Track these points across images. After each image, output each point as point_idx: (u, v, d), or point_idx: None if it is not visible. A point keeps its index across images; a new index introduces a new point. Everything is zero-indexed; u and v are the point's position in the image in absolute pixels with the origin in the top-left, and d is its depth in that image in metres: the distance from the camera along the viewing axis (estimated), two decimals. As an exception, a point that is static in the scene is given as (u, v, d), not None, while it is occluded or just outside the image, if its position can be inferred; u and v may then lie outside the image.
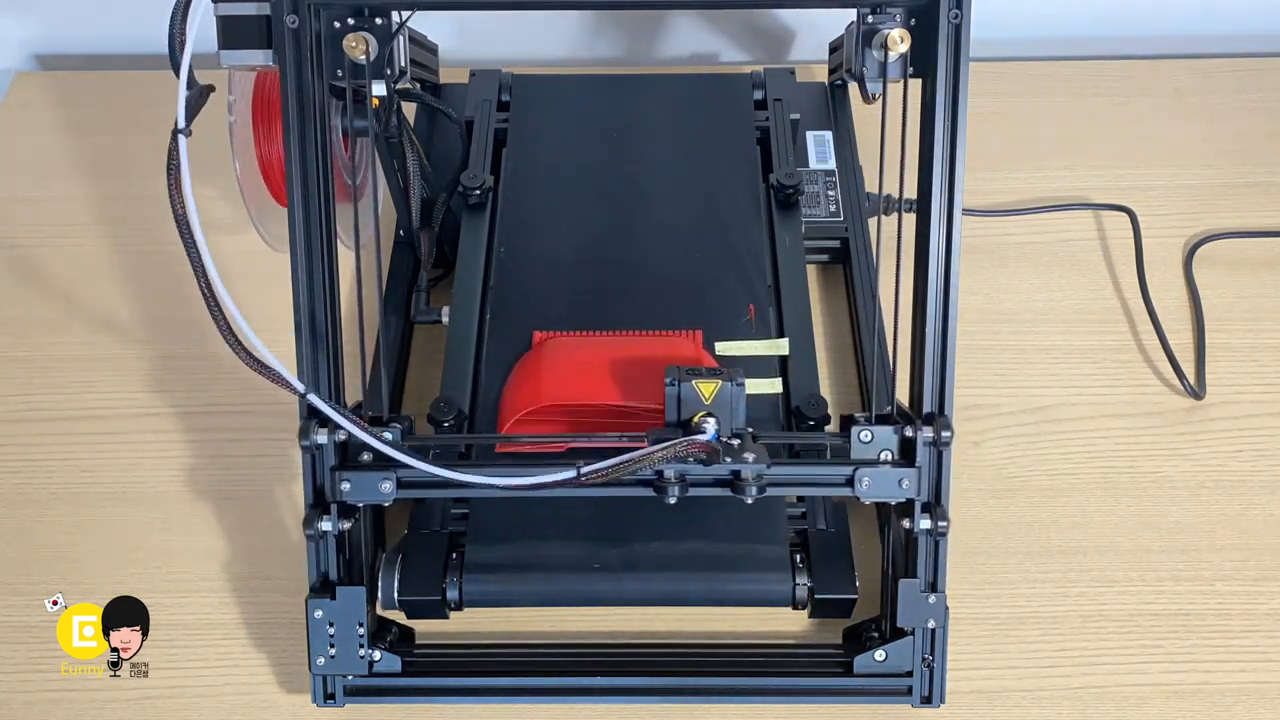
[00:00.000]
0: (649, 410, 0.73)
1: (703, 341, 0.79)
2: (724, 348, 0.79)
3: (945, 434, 0.66)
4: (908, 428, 0.67)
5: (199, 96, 0.63)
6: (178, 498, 0.80)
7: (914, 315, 0.68)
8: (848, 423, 0.68)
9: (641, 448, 0.63)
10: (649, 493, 0.65)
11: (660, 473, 0.64)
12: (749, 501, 0.65)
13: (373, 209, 0.82)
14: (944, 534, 0.67)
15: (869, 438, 0.67)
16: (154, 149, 1.00)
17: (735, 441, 0.64)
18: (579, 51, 1.14)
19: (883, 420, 0.68)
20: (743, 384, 0.65)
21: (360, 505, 0.68)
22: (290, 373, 0.64)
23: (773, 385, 0.79)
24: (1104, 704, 0.71)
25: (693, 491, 0.65)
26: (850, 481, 0.66)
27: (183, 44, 0.62)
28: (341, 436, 0.66)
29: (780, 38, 1.13)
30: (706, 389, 0.64)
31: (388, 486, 0.66)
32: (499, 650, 0.72)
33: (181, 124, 0.61)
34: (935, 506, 0.67)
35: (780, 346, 0.81)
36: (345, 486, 0.66)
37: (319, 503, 0.67)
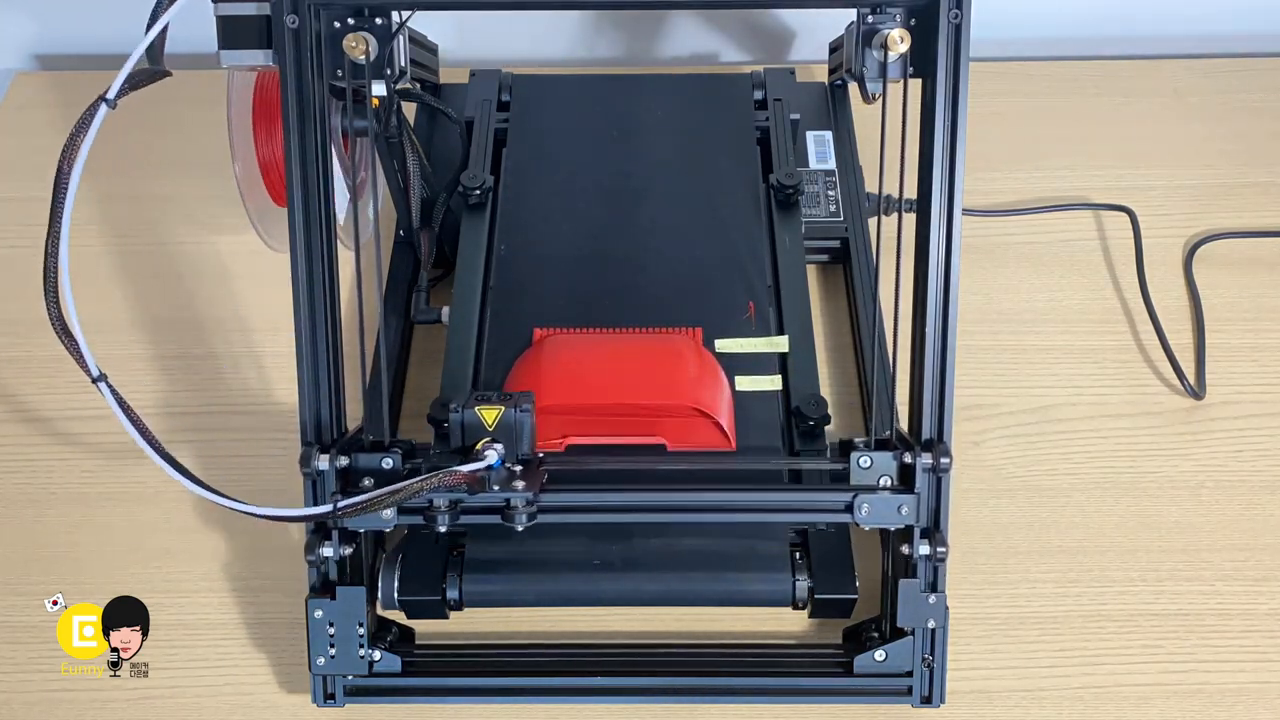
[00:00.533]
0: (649, 408, 0.73)
1: (702, 339, 0.79)
2: (724, 345, 0.80)
3: (944, 460, 0.66)
4: (907, 454, 0.67)
5: (148, 75, 0.63)
6: (178, 498, 0.80)
7: (914, 316, 0.68)
8: (847, 447, 0.68)
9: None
10: (419, 520, 0.65)
11: (430, 502, 0.64)
12: (519, 529, 0.64)
13: (373, 209, 0.82)
14: (943, 560, 0.67)
15: (868, 463, 0.67)
16: (154, 149, 1.00)
17: (518, 468, 0.64)
18: (579, 51, 1.14)
19: (882, 445, 0.68)
20: (528, 410, 0.64)
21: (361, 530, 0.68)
22: (90, 354, 0.63)
23: (773, 382, 0.79)
24: (1104, 704, 0.71)
25: (464, 519, 0.65)
26: (849, 508, 0.66)
27: (156, 22, 0.61)
28: (343, 462, 0.66)
29: (780, 38, 1.13)
30: (489, 415, 0.64)
31: (388, 513, 0.66)
32: (499, 650, 0.72)
33: (111, 94, 0.61)
34: (934, 532, 0.67)
35: (780, 344, 0.81)
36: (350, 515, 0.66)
37: (320, 529, 0.67)
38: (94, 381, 0.63)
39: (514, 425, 0.64)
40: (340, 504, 0.62)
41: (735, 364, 0.79)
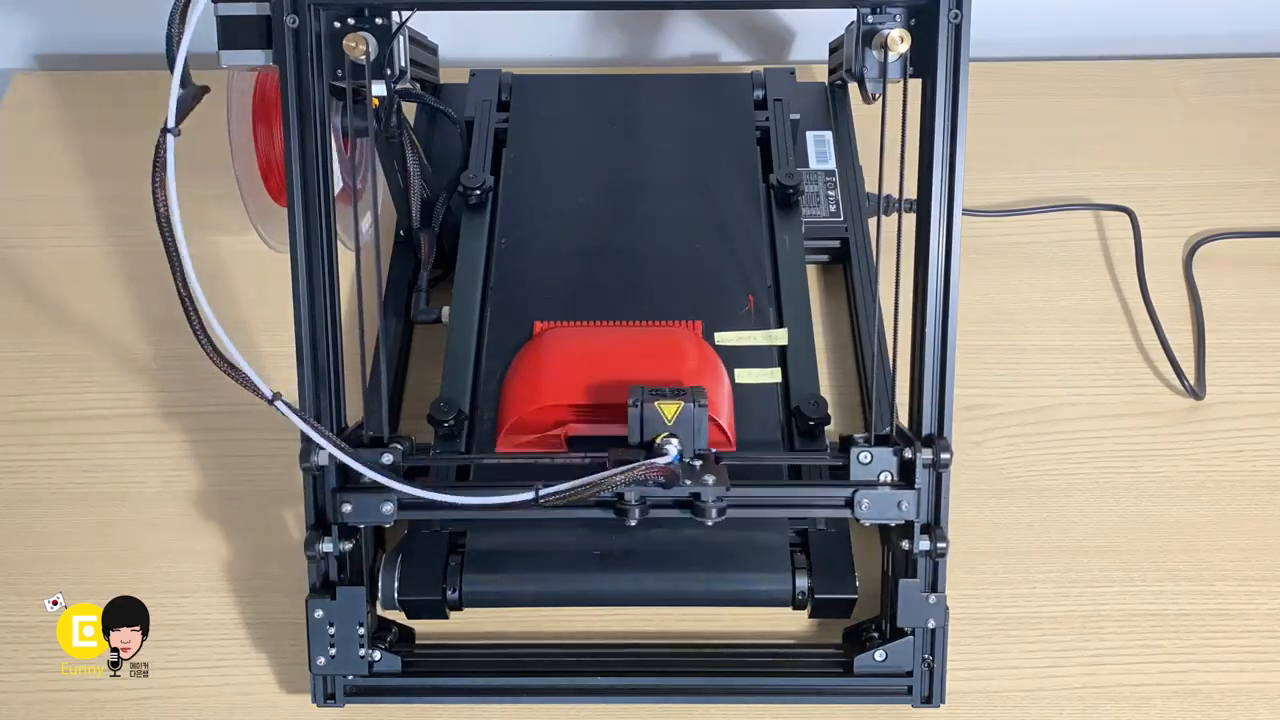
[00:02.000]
0: None
1: (702, 332, 0.79)
2: (723, 338, 0.80)
3: (944, 456, 0.66)
4: (907, 449, 0.67)
5: (193, 97, 0.63)
6: (178, 498, 0.80)
7: (914, 318, 0.68)
8: (847, 443, 0.68)
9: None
10: (609, 514, 0.65)
11: (621, 495, 0.64)
12: (708, 524, 0.65)
13: (373, 209, 0.82)
14: (943, 555, 0.67)
15: (868, 459, 0.67)
16: (154, 149, 1.00)
17: (697, 463, 0.64)
18: (579, 51, 1.14)
19: (882, 441, 0.68)
20: (705, 405, 0.65)
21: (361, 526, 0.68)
22: (259, 377, 0.63)
23: (772, 375, 0.79)
24: (1104, 704, 0.71)
25: (653, 514, 0.65)
26: (849, 503, 0.67)
27: (179, 42, 0.62)
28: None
29: (780, 38, 1.13)
30: (669, 410, 0.65)
31: (389, 508, 0.66)
32: (499, 650, 0.72)
33: (171, 123, 0.61)
34: (934, 528, 0.67)
35: (779, 337, 0.81)
36: (346, 508, 0.66)
37: (320, 524, 0.67)
38: (270, 403, 0.63)
39: (692, 420, 0.64)
40: (542, 492, 0.62)
41: (735, 357, 0.79)
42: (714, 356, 0.78)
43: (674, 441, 0.64)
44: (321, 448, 0.64)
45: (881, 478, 0.67)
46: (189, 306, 0.63)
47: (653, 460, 0.63)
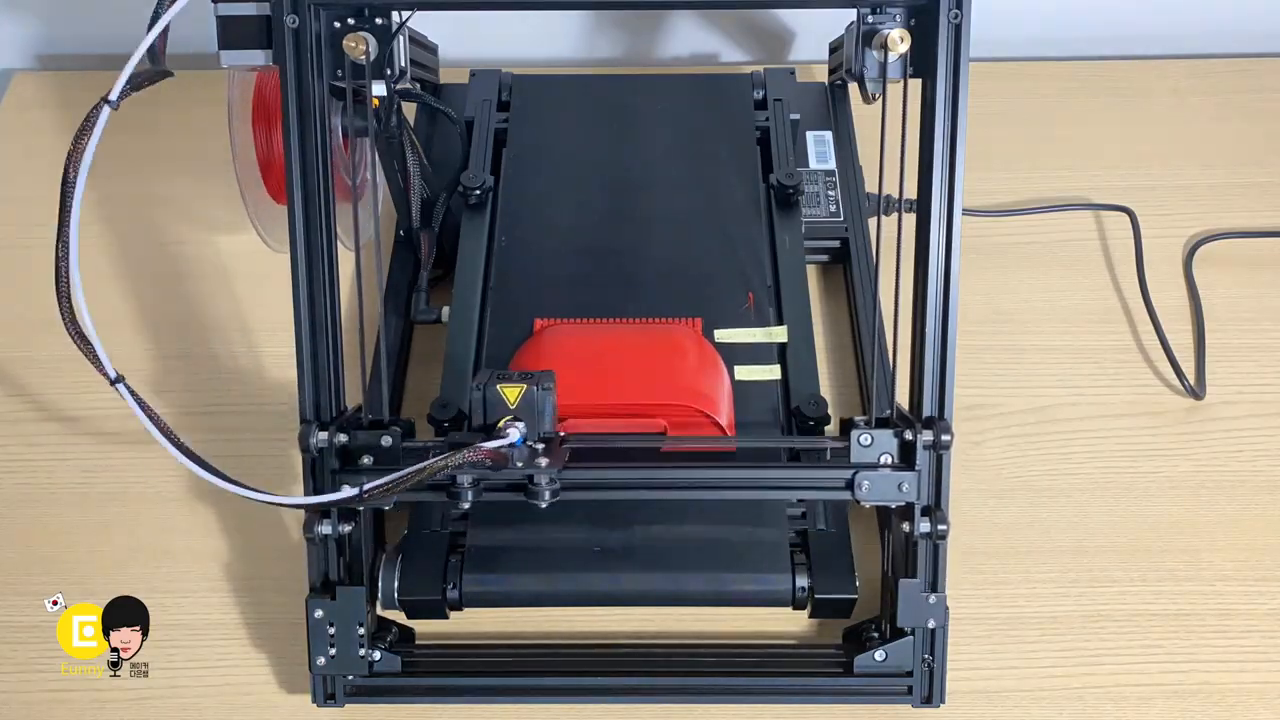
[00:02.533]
0: (649, 406, 0.73)
1: (702, 330, 0.80)
2: (723, 335, 0.80)
3: (945, 437, 0.66)
4: (907, 431, 0.67)
5: (149, 76, 0.63)
6: (178, 498, 0.80)
7: (914, 315, 0.68)
8: (847, 426, 0.68)
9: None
10: (443, 497, 0.65)
11: (453, 479, 0.64)
12: (542, 506, 0.64)
13: (373, 209, 0.82)
14: (944, 537, 0.67)
15: (869, 441, 0.67)
16: (154, 149, 1.00)
17: (540, 446, 0.64)
18: (579, 51, 1.14)
19: (882, 424, 0.68)
20: (550, 388, 0.65)
21: (360, 509, 0.68)
22: (107, 358, 0.63)
23: (771, 372, 0.79)
24: (1105, 704, 0.71)
25: (486, 497, 0.65)
26: (850, 485, 0.66)
27: (161, 20, 0.61)
28: (342, 439, 0.66)
29: (780, 38, 1.13)
30: (511, 393, 0.64)
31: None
32: (499, 650, 0.72)
33: (113, 95, 0.61)
34: (935, 510, 0.67)
35: (779, 334, 0.81)
36: (345, 490, 0.66)
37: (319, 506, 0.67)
38: (112, 384, 0.63)
39: (536, 403, 0.64)
40: (367, 486, 0.62)
41: (735, 354, 0.79)
42: (714, 353, 0.78)
43: (517, 425, 0.64)
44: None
45: (882, 460, 0.67)
46: (61, 271, 0.62)
47: (479, 444, 0.62)
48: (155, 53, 0.62)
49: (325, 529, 0.67)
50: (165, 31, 0.62)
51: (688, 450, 0.71)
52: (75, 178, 0.61)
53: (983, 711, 0.70)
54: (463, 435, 0.65)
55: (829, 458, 0.72)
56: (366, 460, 0.67)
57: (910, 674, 0.68)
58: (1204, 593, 0.75)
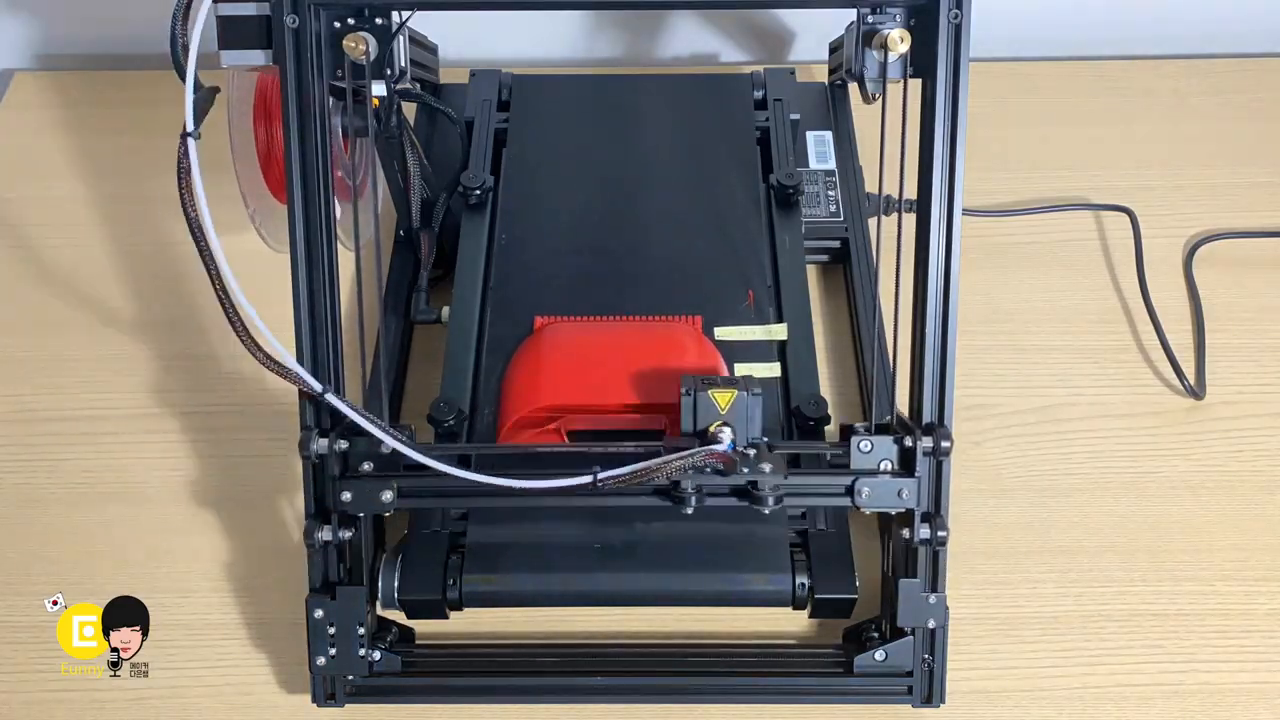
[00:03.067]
0: (650, 406, 0.73)
1: (702, 328, 0.80)
2: (723, 333, 0.80)
3: (945, 444, 0.66)
4: (907, 438, 0.67)
5: (206, 99, 0.63)
6: (178, 498, 0.80)
7: (914, 316, 0.68)
8: (847, 432, 0.68)
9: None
10: (665, 503, 0.65)
11: (677, 483, 0.64)
12: (766, 511, 0.65)
13: (373, 209, 0.82)
14: (944, 543, 0.67)
15: (869, 447, 0.67)
16: (154, 149, 1.00)
17: (751, 451, 0.64)
18: (579, 51, 1.14)
19: (882, 430, 0.68)
20: (759, 393, 0.65)
21: (361, 515, 0.68)
22: (308, 374, 0.65)
23: (771, 369, 0.79)
24: (1104, 704, 0.71)
25: (709, 502, 0.65)
26: (850, 491, 0.66)
27: (186, 47, 0.62)
28: (342, 446, 0.66)
29: (780, 38, 1.13)
30: (722, 399, 0.64)
31: (388, 496, 0.66)
32: (499, 650, 0.72)
33: (190, 127, 0.62)
34: (935, 516, 0.67)
35: (778, 332, 0.81)
36: (346, 496, 0.66)
37: (320, 512, 0.67)
38: (320, 396, 0.65)
39: (746, 408, 0.64)
40: (601, 475, 0.62)
41: (734, 352, 0.79)
42: (714, 351, 0.78)
43: (727, 430, 0.64)
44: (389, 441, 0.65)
45: (882, 466, 0.67)
46: (229, 309, 0.63)
47: (711, 446, 0.63)
48: (196, 77, 0.63)
49: (326, 535, 0.67)
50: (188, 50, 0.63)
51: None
52: (199, 219, 0.62)
53: (983, 711, 0.70)
54: (675, 440, 0.65)
55: (829, 459, 0.72)
56: (367, 466, 0.67)
57: (910, 674, 0.68)
58: (1204, 593, 0.75)
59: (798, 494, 0.68)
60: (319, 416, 0.68)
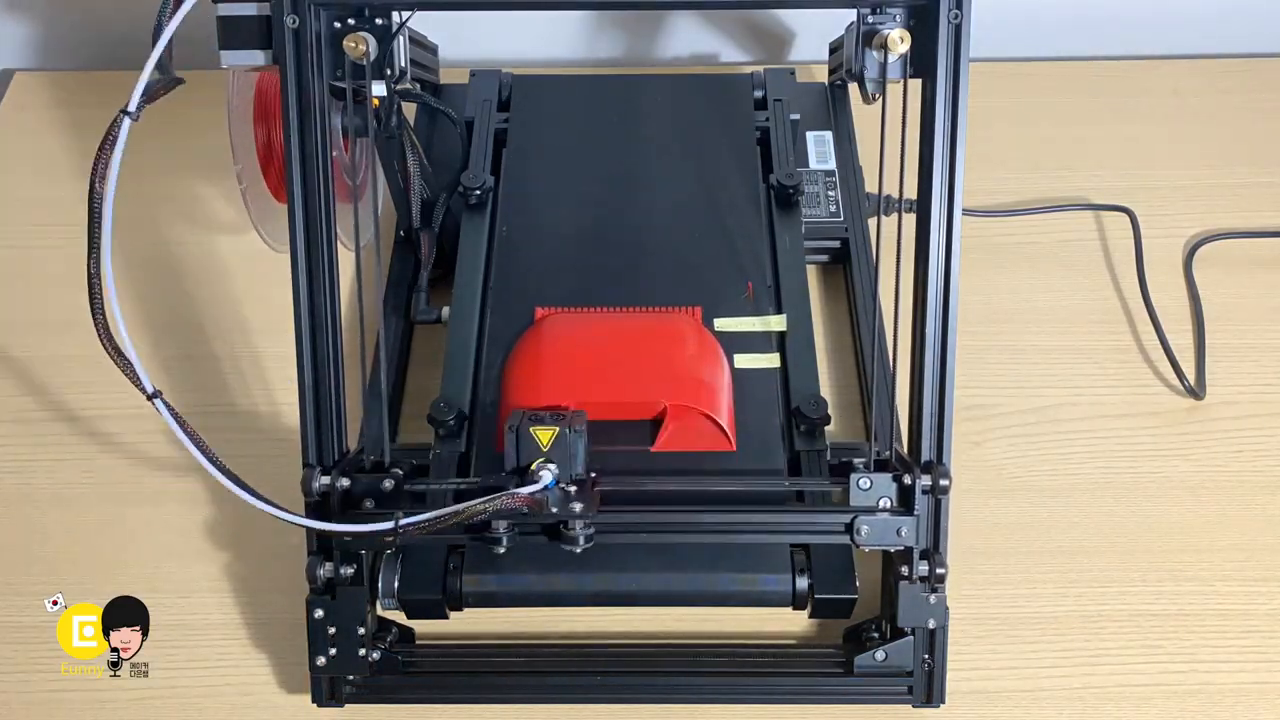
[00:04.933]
0: (649, 397, 0.73)
1: (701, 319, 0.80)
2: (722, 324, 0.80)
3: (943, 482, 0.66)
4: (906, 475, 0.67)
5: (163, 85, 0.63)
6: (178, 498, 0.80)
7: (914, 316, 0.68)
8: (846, 469, 0.68)
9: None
10: (475, 539, 0.66)
11: (488, 523, 0.64)
12: (576, 551, 0.65)
13: (373, 209, 0.82)
14: (942, 580, 0.67)
15: (868, 485, 0.67)
16: (154, 149, 1.00)
17: (572, 489, 0.64)
18: (579, 51, 1.14)
19: (881, 466, 0.68)
20: (581, 430, 0.65)
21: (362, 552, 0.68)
22: (145, 373, 0.63)
23: (770, 360, 0.79)
24: (1104, 704, 0.71)
25: (522, 540, 0.66)
26: (849, 529, 0.66)
27: (166, 29, 0.62)
28: (344, 484, 0.66)
29: (780, 38, 1.13)
30: (544, 436, 0.65)
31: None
32: (499, 650, 0.72)
33: (131, 106, 0.61)
34: (934, 554, 0.67)
35: (778, 323, 0.81)
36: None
37: (321, 549, 0.67)
38: (149, 399, 0.63)
39: (569, 445, 0.65)
40: (402, 522, 0.63)
41: (734, 343, 0.79)
42: (713, 342, 0.78)
43: (550, 468, 0.64)
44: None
45: (881, 504, 0.67)
46: (95, 288, 0.62)
47: (515, 490, 0.63)
48: (164, 61, 0.62)
49: (328, 573, 0.67)
50: (171, 41, 0.62)
51: (686, 490, 0.71)
52: (102, 191, 0.61)
53: (983, 711, 0.70)
54: (497, 477, 0.65)
55: (828, 495, 0.72)
56: (368, 504, 0.67)
57: (910, 674, 0.69)
58: (1204, 593, 0.75)
59: (797, 531, 0.69)
60: (320, 454, 0.68)
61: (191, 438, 0.64)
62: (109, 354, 0.63)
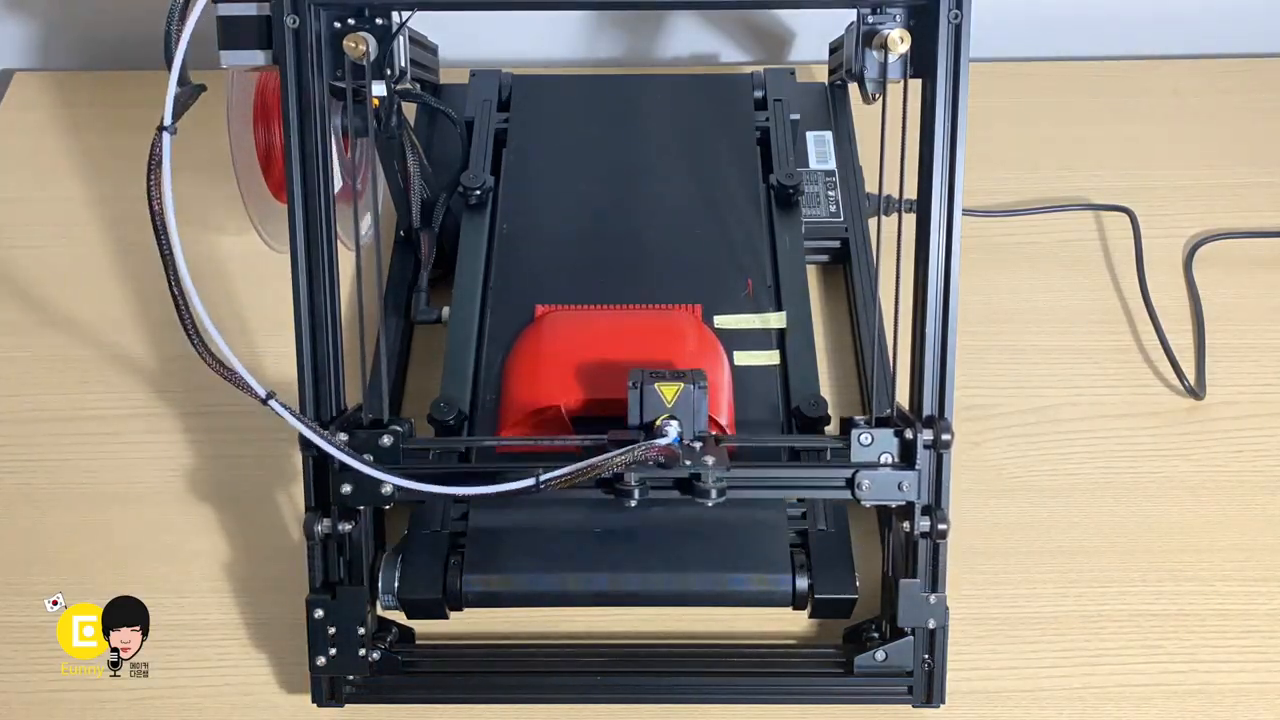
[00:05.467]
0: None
1: (701, 315, 0.80)
2: (722, 321, 0.80)
3: (945, 436, 0.66)
4: (907, 430, 0.67)
5: (189, 95, 0.63)
6: (178, 498, 0.80)
7: (914, 315, 0.68)
8: (847, 425, 0.68)
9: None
10: (609, 497, 0.66)
11: (620, 476, 0.64)
12: (709, 505, 0.65)
13: (373, 209, 0.82)
14: (944, 536, 0.67)
15: (869, 440, 0.67)
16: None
17: (697, 445, 0.65)
18: (579, 51, 1.14)
19: (882, 423, 0.68)
20: (705, 387, 0.65)
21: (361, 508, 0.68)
22: (252, 378, 0.64)
23: (770, 357, 0.80)
24: (1104, 704, 0.71)
25: (653, 494, 0.66)
26: (850, 484, 0.66)
27: (178, 40, 0.62)
28: (343, 438, 0.66)
29: (780, 38, 1.13)
30: (668, 392, 0.65)
31: (389, 489, 0.66)
32: (499, 650, 0.72)
33: (168, 121, 0.62)
34: (935, 509, 0.67)
35: (778, 320, 0.82)
36: (346, 489, 0.66)
37: (319, 505, 0.67)
38: (264, 402, 0.64)
39: (692, 401, 0.65)
40: (543, 477, 0.62)
41: (734, 340, 0.80)
42: (714, 339, 0.78)
43: (674, 423, 0.64)
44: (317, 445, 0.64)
45: (882, 459, 0.67)
46: (182, 307, 0.63)
47: (653, 440, 0.63)
48: (182, 71, 0.62)
49: (326, 528, 0.67)
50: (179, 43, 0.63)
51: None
52: (162, 209, 0.62)
53: (983, 711, 0.70)
54: (620, 432, 0.65)
55: (829, 457, 0.72)
56: (367, 458, 0.67)
57: (910, 674, 0.68)
58: (1204, 593, 0.75)
59: (797, 486, 0.69)
60: (318, 410, 0.68)
61: (314, 430, 0.64)
62: (213, 368, 0.64)
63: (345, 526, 0.67)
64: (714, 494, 0.65)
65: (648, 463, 0.63)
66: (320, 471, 0.67)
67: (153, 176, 0.61)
